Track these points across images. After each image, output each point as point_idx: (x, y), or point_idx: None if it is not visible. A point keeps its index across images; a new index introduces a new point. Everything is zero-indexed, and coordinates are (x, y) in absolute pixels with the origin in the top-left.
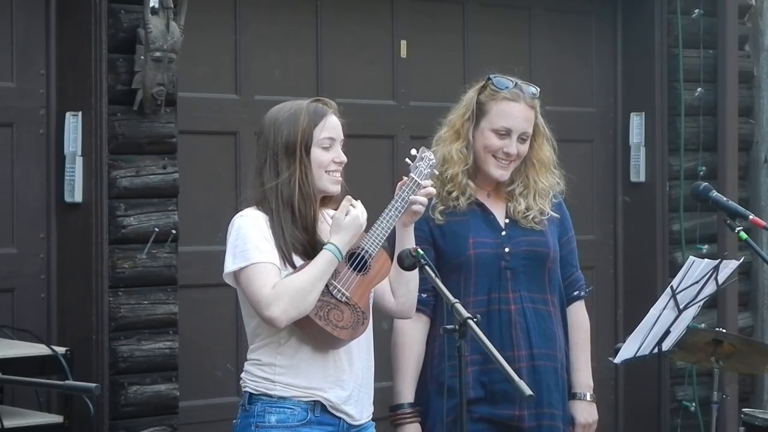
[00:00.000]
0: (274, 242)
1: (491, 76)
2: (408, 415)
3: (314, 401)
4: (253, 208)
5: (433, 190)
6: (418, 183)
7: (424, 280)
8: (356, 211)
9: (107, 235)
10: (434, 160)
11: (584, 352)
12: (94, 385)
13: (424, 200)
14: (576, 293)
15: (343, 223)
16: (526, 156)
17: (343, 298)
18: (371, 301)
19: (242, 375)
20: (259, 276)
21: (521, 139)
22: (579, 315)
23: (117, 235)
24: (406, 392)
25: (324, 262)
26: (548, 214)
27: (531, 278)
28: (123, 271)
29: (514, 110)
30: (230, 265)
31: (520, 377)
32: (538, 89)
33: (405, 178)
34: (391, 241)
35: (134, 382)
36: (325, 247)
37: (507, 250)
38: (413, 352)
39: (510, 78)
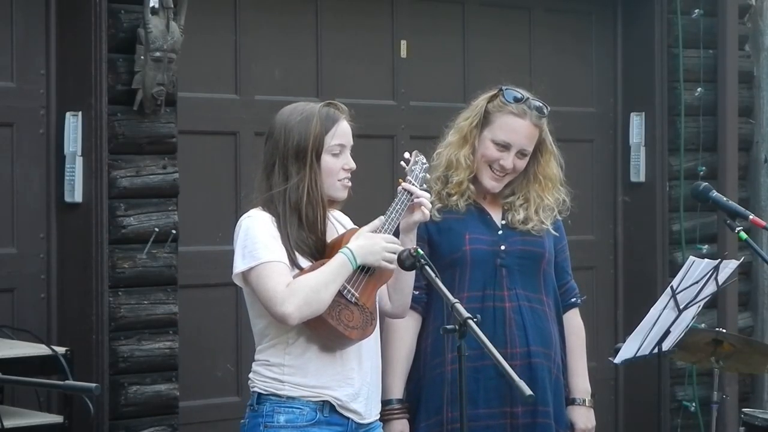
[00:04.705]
0: (281, 242)
1: (504, 87)
2: (396, 411)
3: (323, 401)
4: (259, 208)
5: (428, 195)
6: (416, 186)
7: (416, 276)
8: (384, 237)
9: (107, 235)
10: (427, 164)
11: (582, 357)
12: (94, 385)
13: (428, 195)
14: (573, 300)
15: (363, 233)
16: (532, 171)
17: (353, 299)
18: (377, 302)
19: (250, 375)
20: (270, 274)
21: (520, 154)
22: (576, 321)
23: (117, 235)
24: (395, 388)
25: (336, 264)
26: (546, 228)
27: (526, 277)
28: (123, 271)
29: (518, 126)
30: (240, 265)
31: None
32: (548, 108)
33: (403, 182)
34: None
35: (134, 382)
36: (340, 250)
37: (503, 248)
38: (404, 348)
39: (522, 92)
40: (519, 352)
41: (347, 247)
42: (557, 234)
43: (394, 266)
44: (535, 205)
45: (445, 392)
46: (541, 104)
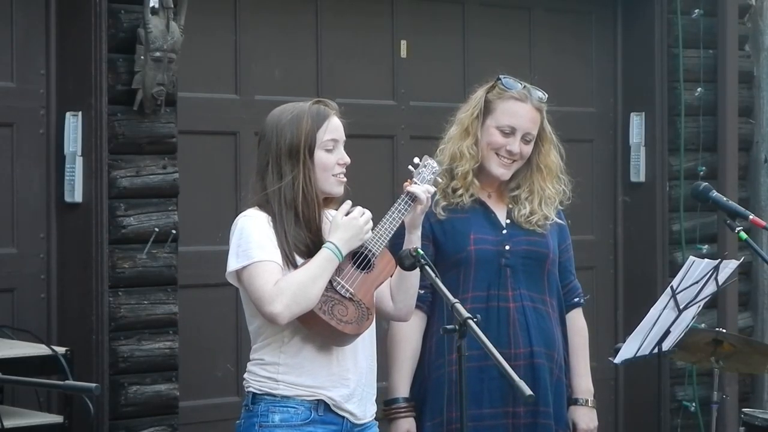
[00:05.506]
0: (277, 242)
1: (501, 76)
2: (403, 410)
3: (318, 400)
4: (256, 208)
5: (426, 188)
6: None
7: (420, 275)
8: (356, 213)
9: (107, 235)
10: (437, 168)
11: (585, 357)
12: (94, 385)
13: (423, 189)
14: (576, 300)
15: (340, 223)
16: (533, 161)
17: (347, 294)
18: (374, 300)
19: (245, 375)
20: (261, 274)
21: (525, 140)
22: (579, 321)
23: (117, 235)
24: (401, 387)
25: (322, 259)
26: (552, 220)
27: (530, 278)
28: (123, 271)
29: (520, 110)
30: (233, 264)
31: (518, 375)
32: (546, 95)
33: (408, 181)
34: (398, 247)
35: (134, 382)
36: (324, 245)
37: (507, 248)
38: (409, 347)
39: (519, 81)
40: (522, 352)
41: (329, 241)
42: (561, 231)
43: (370, 234)
44: (539, 197)
45: (449, 392)
46: (540, 91)
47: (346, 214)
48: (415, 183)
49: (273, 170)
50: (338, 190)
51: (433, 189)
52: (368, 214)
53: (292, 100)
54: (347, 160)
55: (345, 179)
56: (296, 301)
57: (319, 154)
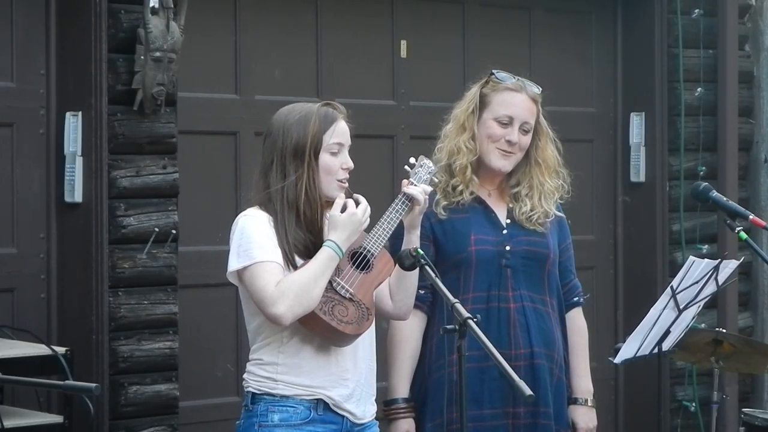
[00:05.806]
0: (277, 242)
1: (494, 71)
2: (402, 410)
3: (317, 399)
4: (257, 207)
5: (423, 188)
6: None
7: (421, 276)
8: (352, 208)
9: (107, 235)
10: (433, 168)
11: (584, 357)
12: (94, 385)
13: (420, 190)
14: (576, 299)
15: (339, 220)
16: (531, 156)
17: (347, 295)
18: (374, 300)
19: (245, 375)
20: (263, 274)
21: (523, 129)
22: (579, 321)
23: (117, 235)
24: (401, 387)
25: (324, 258)
26: (552, 215)
27: (530, 278)
28: (123, 271)
29: (516, 99)
30: (234, 264)
31: (518, 376)
32: (540, 88)
33: (406, 181)
34: (397, 247)
35: (134, 382)
36: (324, 244)
37: (508, 248)
38: (409, 347)
39: (513, 75)
40: (522, 353)
41: (330, 239)
42: (561, 226)
43: (367, 223)
44: (538, 192)
45: (449, 393)
46: (534, 85)
47: (342, 210)
48: (412, 183)
49: (277, 169)
50: (339, 194)
51: (429, 189)
52: (364, 202)
53: (293, 100)
54: (351, 165)
55: (347, 184)
56: (299, 302)
57: (324, 157)
